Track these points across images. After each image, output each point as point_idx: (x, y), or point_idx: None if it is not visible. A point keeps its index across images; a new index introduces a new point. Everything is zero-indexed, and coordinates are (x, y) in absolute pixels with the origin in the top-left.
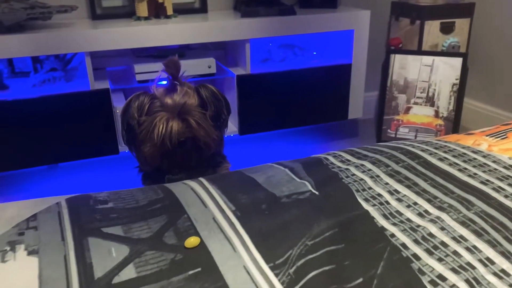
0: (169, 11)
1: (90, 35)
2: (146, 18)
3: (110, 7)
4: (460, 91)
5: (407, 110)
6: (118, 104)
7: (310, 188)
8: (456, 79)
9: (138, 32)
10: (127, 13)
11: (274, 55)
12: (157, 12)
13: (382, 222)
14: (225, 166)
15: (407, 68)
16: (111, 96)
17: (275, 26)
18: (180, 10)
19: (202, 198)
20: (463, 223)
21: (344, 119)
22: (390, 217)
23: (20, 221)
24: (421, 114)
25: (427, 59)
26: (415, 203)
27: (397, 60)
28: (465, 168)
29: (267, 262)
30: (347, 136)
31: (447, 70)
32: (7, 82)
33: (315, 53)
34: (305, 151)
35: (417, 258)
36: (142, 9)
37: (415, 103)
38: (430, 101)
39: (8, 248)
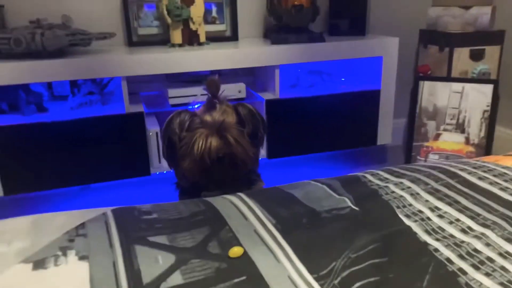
0: (202, 39)
1: (127, 60)
2: (180, 45)
3: (146, 35)
4: (491, 118)
5: (437, 136)
6: (151, 127)
7: (350, 204)
8: (487, 106)
9: (173, 58)
10: (162, 40)
11: (302, 81)
12: (190, 39)
13: (424, 237)
14: (260, 184)
15: (436, 94)
16: (145, 119)
17: (304, 53)
18: (212, 38)
19: (242, 211)
20: (508, 240)
21: (373, 144)
22: (433, 233)
23: (69, 229)
24: (451, 141)
25: (457, 86)
26: (458, 220)
27: (426, 87)
28: (507, 187)
29: (311, 273)
30: (375, 162)
31: (477, 97)
32: (47, 105)
33: (343, 79)
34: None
35: (464, 272)
36: (177, 37)
37: (445, 130)
38: (460, 128)
39: (60, 253)
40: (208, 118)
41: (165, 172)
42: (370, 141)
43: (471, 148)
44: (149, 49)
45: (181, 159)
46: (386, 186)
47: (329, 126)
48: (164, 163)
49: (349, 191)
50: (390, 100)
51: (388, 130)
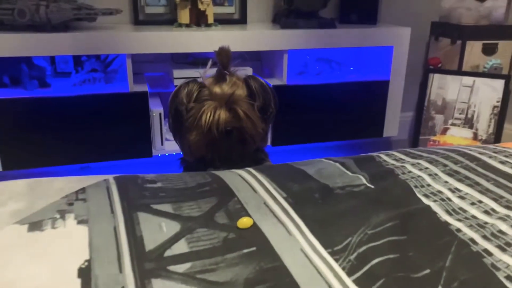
0: (210, 20)
1: (133, 37)
2: (187, 26)
3: (153, 14)
4: (501, 114)
5: (444, 131)
6: (155, 107)
7: (365, 181)
8: (497, 102)
9: (179, 37)
10: (169, 20)
11: (310, 68)
12: (198, 20)
13: (445, 217)
14: (267, 164)
15: (446, 88)
16: (148, 99)
17: (314, 39)
18: (220, 20)
19: (251, 184)
20: None
21: (379, 136)
22: (454, 213)
23: (68, 193)
24: (458, 136)
25: (467, 80)
26: (480, 201)
27: (436, 80)
28: None
29: (325, 247)
30: None
31: (488, 91)
32: (49, 81)
33: (352, 68)
34: None
35: (489, 253)
36: (184, 16)
37: (453, 124)
38: (468, 122)
39: (58, 216)
40: (217, 89)
41: (167, 154)
42: (376, 133)
43: (479, 144)
44: (156, 28)
45: (187, 131)
46: (403, 166)
47: (336, 116)
48: (167, 145)
49: (363, 169)
50: (399, 91)
51: (395, 122)
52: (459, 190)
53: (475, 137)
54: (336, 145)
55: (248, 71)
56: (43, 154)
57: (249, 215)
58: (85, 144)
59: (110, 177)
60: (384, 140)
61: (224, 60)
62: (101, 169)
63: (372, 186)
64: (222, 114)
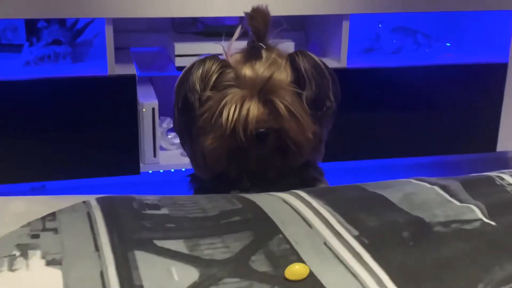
0: None
1: None
2: None
3: None
4: None
5: None
6: (146, 99)
7: (480, 215)
8: None
9: None
10: None
11: (384, 43)
12: None
13: None
14: (322, 186)
15: None
16: (136, 86)
17: None
18: None
19: (303, 214)
20: None
21: (490, 151)
22: None
23: (32, 220)
24: None
25: None
26: None
27: None
28: None
29: None
30: None
31: None
32: None
33: (448, 44)
34: None
35: None
36: None
37: None
38: None
39: (17, 253)
40: (247, 71)
41: (162, 171)
42: (486, 146)
43: None
44: None
45: (201, 134)
46: None
47: (420, 117)
48: (162, 157)
49: (477, 196)
50: None
51: None
52: None
53: None
54: (420, 163)
55: (288, 46)
56: None
57: (302, 261)
58: (39, 155)
59: (92, 198)
60: (497, 156)
61: (259, 26)
62: (61, 191)
63: (493, 223)
64: (253, 109)
